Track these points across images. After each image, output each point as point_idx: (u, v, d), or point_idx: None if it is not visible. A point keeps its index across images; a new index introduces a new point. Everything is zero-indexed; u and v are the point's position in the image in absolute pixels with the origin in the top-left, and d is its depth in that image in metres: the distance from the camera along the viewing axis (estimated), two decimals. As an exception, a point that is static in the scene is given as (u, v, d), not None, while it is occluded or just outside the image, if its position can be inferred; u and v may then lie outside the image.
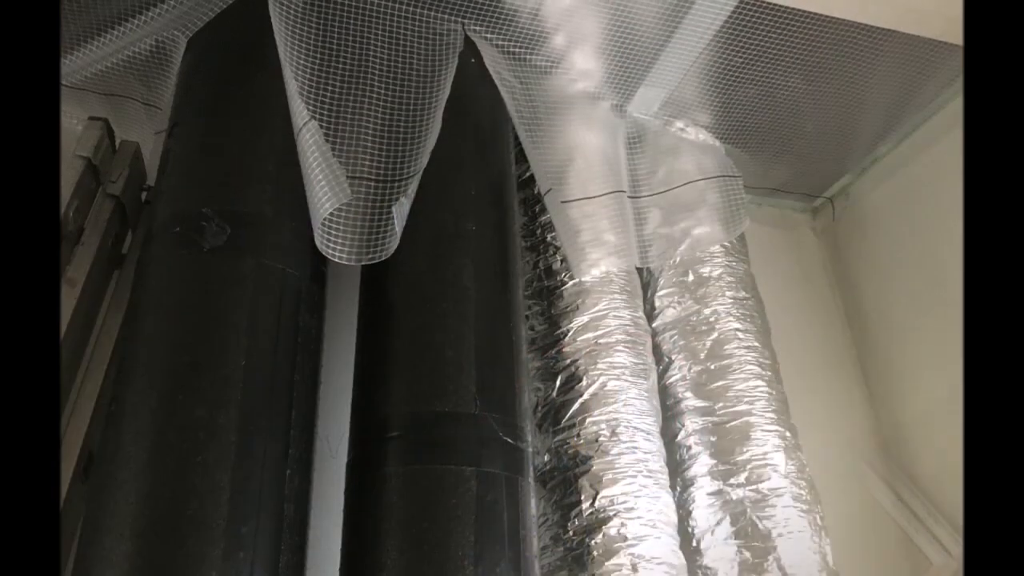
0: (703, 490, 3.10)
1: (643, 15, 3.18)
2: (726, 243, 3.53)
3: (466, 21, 3.16)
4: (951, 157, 3.78)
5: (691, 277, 3.44)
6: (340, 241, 2.57)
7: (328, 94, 2.84)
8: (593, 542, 2.67)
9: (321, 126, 2.68)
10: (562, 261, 3.15)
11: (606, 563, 2.64)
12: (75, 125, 3.03)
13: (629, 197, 3.42)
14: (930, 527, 3.75)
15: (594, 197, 3.24)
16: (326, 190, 2.49)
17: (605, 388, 2.91)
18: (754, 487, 3.04)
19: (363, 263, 2.60)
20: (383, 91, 2.96)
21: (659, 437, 2.99)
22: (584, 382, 2.92)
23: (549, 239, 3.23)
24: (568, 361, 2.98)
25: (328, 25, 2.97)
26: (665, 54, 3.40)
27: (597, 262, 3.13)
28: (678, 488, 3.12)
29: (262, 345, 2.30)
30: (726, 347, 3.29)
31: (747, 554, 2.97)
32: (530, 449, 2.59)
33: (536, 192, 3.29)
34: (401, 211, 2.61)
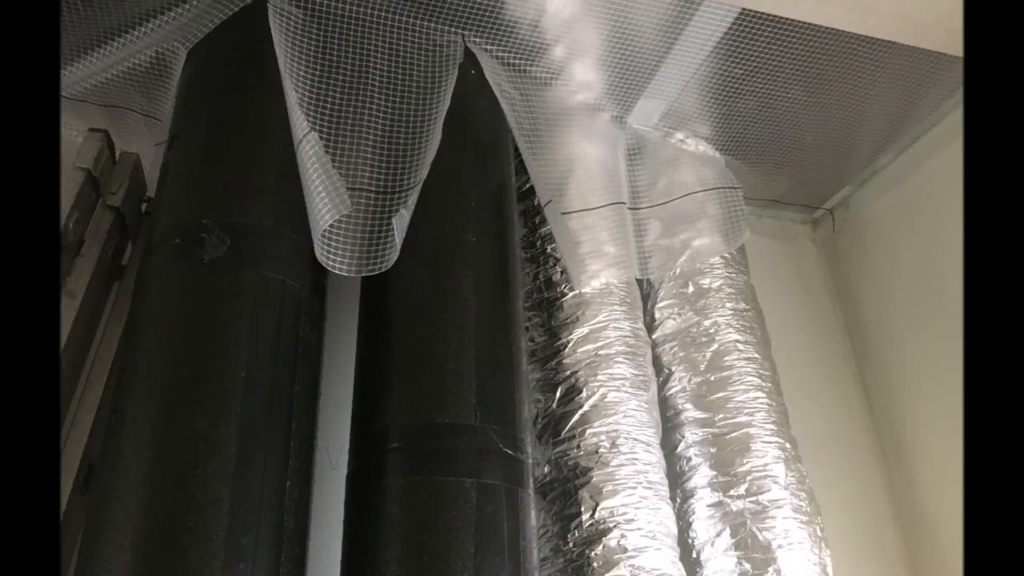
0: (703, 501, 3.10)
1: (643, 26, 3.19)
2: (726, 255, 3.53)
3: (466, 32, 3.17)
4: (951, 169, 3.78)
5: (691, 289, 3.45)
6: (340, 253, 2.57)
7: (328, 105, 2.84)
8: (593, 554, 2.67)
9: (321, 137, 2.68)
10: (562, 272, 3.15)
11: (606, 575, 2.64)
12: (75, 137, 3.03)
13: (629, 208, 3.42)
14: (931, 538, 3.75)
15: (594, 209, 3.24)
16: (326, 202, 2.49)
17: (605, 400, 2.91)
18: (754, 498, 3.04)
19: (363, 275, 2.61)
20: (383, 102, 2.96)
21: (659, 449, 2.99)
22: (584, 394, 2.92)
23: (549, 250, 3.23)
24: (568, 372, 2.98)
25: (328, 36, 2.98)
26: (665, 66, 3.40)
27: (597, 273, 3.13)
28: (678, 499, 3.12)
29: (262, 357, 2.30)
30: (726, 359, 3.29)
31: (747, 565, 2.97)
32: (530, 461, 2.59)
33: (536, 203, 3.30)
34: (401, 223, 2.62)
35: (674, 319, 3.41)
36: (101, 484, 2.12)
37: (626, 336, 3.08)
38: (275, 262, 2.45)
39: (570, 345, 3.02)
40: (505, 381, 2.62)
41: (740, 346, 3.33)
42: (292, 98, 2.69)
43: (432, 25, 3.13)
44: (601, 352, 3.01)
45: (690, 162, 3.68)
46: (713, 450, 3.16)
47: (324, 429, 2.59)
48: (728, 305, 3.42)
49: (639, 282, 3.42)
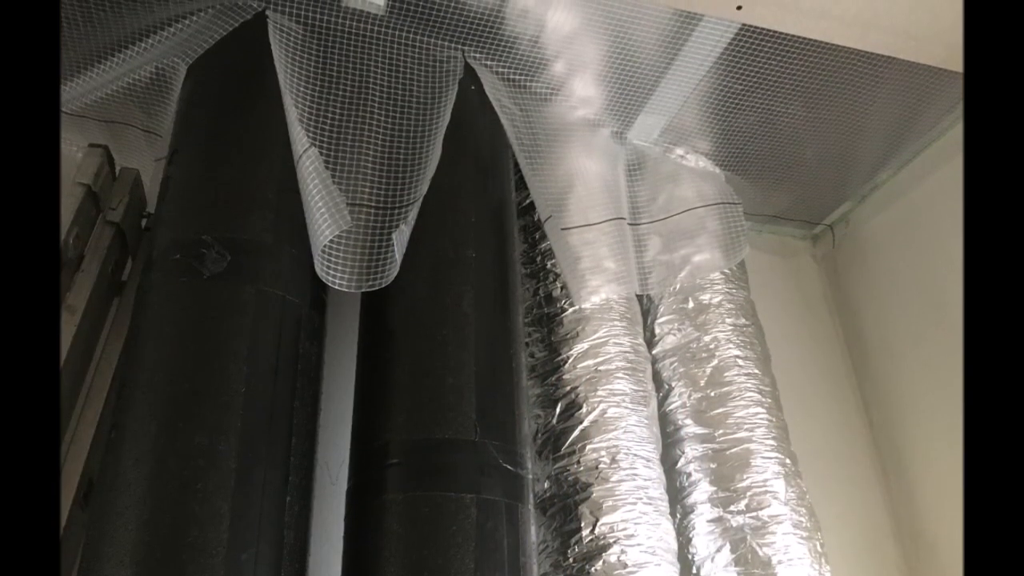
0: (703, 517, 3.09)
1: (643, 42, 3.19)
2: (726, 270, 3.53)
3: (466, 48, 3.17)
4: (951, 184, 3.78)
5: (691, 304, 3.45)
6: (340, 268, 2.58)
7: (328, 121, 2.84)
8: (593, 569, 2.66)
9: (321, 153, 2.68)
10: (562, 288, 3.15)
11: (606, 590, 2.64)
12: (75, 152, 3.04)
13: (629, 224, 3.42)
14: (931, 553, 3.75)
15: (594, 224, 3.24)
16: (326, 217, 2.49)
17: (605, 415, 2.91)
18: (754, 514, 3.04)
19: (363, 290, 2.61)
20: (383, 118, 2.97)
21: (659, 464, 2.99)
22: (584, 409, 2.92)
23: (549, 266, 3.23)
24: (568, 388, 2.98)
25: (328, 52, 2.98)
26: (665, 81, 3.40)
27: (597, 289, 3.13)
28: (678, 515, 3.12)
29: (262, 372, 2.30)
30: (726, 374, 3.29)
31: (747, 581, 2.97)
32: (530, 476, 2.59)
33: (536, 219, 3.30)
34: (401, 238, 2.62)
35: (674, 334, 3.41)
36: (101, 499, 2.12)
37: (626, 352, 3.08)
38: (275, 278, 2.45)
39: (570, 361, 3.02)
40: (505, 396, 2.62)
41: (740, 361, 3.33)
42: (292, 114, 2.69)
43: (432, 41, 3.13)
44: (601, 368, 3.00)
45: (690, 177, 3.69)
46: (713, 466, 3.15)
47: (324, 444, 2.59)
48: (728, 320, 3.42)
49: (639, 297, 3.42)
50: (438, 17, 3.03)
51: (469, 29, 3.08)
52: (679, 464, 3.20)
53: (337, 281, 2.56)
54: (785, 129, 3.76)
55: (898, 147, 4.02)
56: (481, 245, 2.81)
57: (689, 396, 3.29)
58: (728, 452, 3.15)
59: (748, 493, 3.07)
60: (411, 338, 2.61)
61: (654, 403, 3.14)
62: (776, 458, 3.16)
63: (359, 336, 2.80)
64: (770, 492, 3.07)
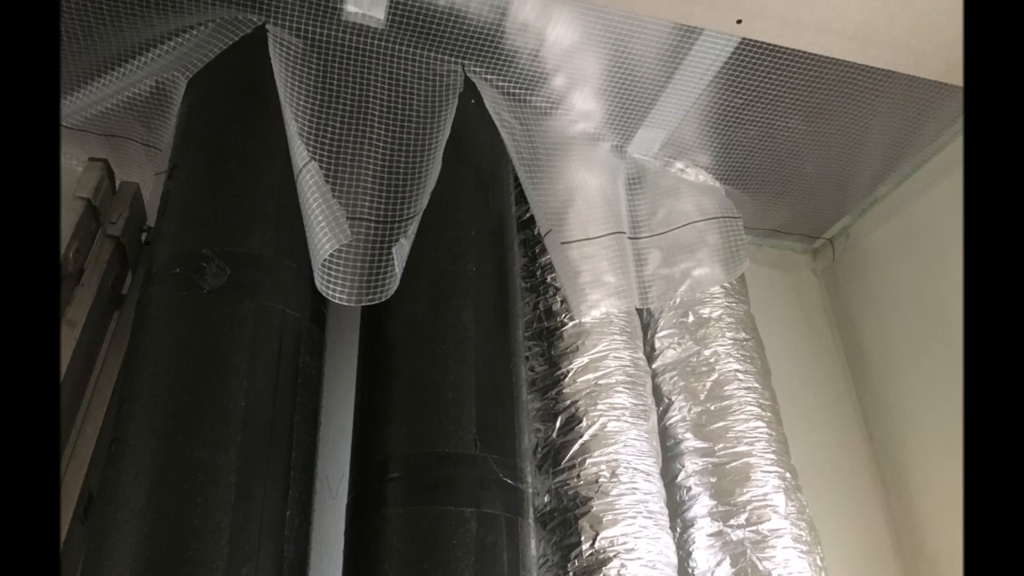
0: (703, 531, 3.09)
1: (643, 56, 3.19)
2: (726, 284, 3.53)
3: (466, 62, 3.17)
4: (951, 198, 3.77)
5: (691, 318, 3.44)
6: (340, 282, 2.57)
7: (328, 135, 2.84)
8: (593, 583, 2.66)
9: (321, 167, 2.68)
10: (562, 302, 3.15)
11: (607, 604, 2.63)
12: (75, 166, 3.04)
13: (629, 238, 3.42)
14: (931, 567, 3.74)
15: (594, 238, 3.24)
16: (326, 231, 2.49)
17: (605, 429, 2.90)
18: (754, 528, 3.03)
19: (363, 304, 2.60)
20: (383, 132, 2.96)
21: (659, 478, 2.99)
22: (584, 423, 2.91)
23: (549, 280, 3.23)
24: (568, 402, 2.97)
25: (328, 66, 2.98)
26: (665, 95, 3.40)
27: (597, 303, 3.12)
28: (678, 529, 3.12)
29: (262, 386, 2.29)
30: (726, 388, 3.29)
31: (747, 595, 2.97)
32: (530, 490, 2.59)
33: (536, 233, 3.30)
34: (401, 252, 2.62)
35: (674, 348, 3.41)
36: (101, 514, 2.11)
37: (626, 365, 3.08)
38: (275, 292, 2.45)
39: (570, 375, 3.01)
40: (505, 411, 2.61)
41: (740, 375, 3.32)
42: (292, 128, 2.69)
43: (432, 55, 3.13)
44: (601, 382, 3.00)
45: (690, 191, 3.68)
46: (713, 479, 3.15)
47: (324, 458, 2.58)
48: (728, 334, 3.41)
49: (639, 312, 3.42)
50: (438, 31, 3.03)
51: (469, 43, 3.09)
52: (679, 478, 3.20)
53: (337, 295, 2.56)
54: (785, 143, 3.76)
55: (898, 161, 4.02)
56: (481, 259, 2.81)
57: (689, 410, 3.29)
58: (728, 466, 3.15)
59: (748, 507, 3.07)
60: (411, 352, 2.60)
61: (654, 417, 3.13)
62: (776, 472, 3.15)
63: (359, 350, 2.80)
64: (770, 506, 3.07)
